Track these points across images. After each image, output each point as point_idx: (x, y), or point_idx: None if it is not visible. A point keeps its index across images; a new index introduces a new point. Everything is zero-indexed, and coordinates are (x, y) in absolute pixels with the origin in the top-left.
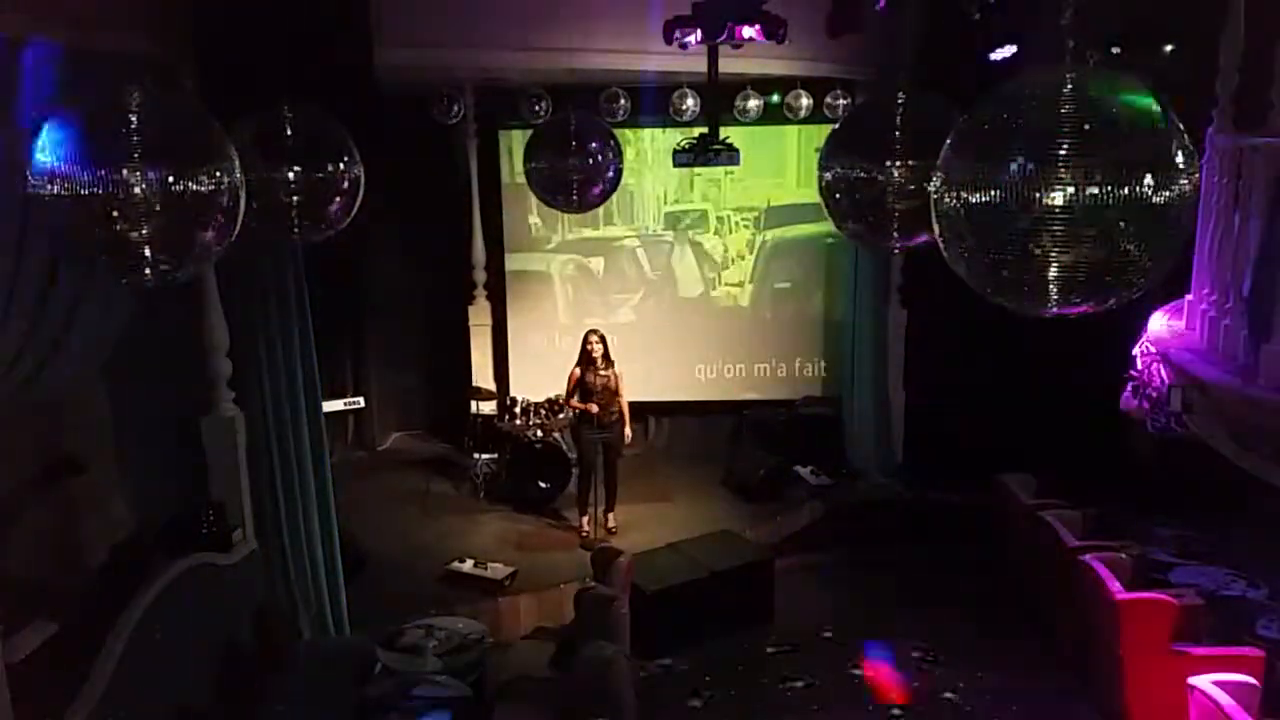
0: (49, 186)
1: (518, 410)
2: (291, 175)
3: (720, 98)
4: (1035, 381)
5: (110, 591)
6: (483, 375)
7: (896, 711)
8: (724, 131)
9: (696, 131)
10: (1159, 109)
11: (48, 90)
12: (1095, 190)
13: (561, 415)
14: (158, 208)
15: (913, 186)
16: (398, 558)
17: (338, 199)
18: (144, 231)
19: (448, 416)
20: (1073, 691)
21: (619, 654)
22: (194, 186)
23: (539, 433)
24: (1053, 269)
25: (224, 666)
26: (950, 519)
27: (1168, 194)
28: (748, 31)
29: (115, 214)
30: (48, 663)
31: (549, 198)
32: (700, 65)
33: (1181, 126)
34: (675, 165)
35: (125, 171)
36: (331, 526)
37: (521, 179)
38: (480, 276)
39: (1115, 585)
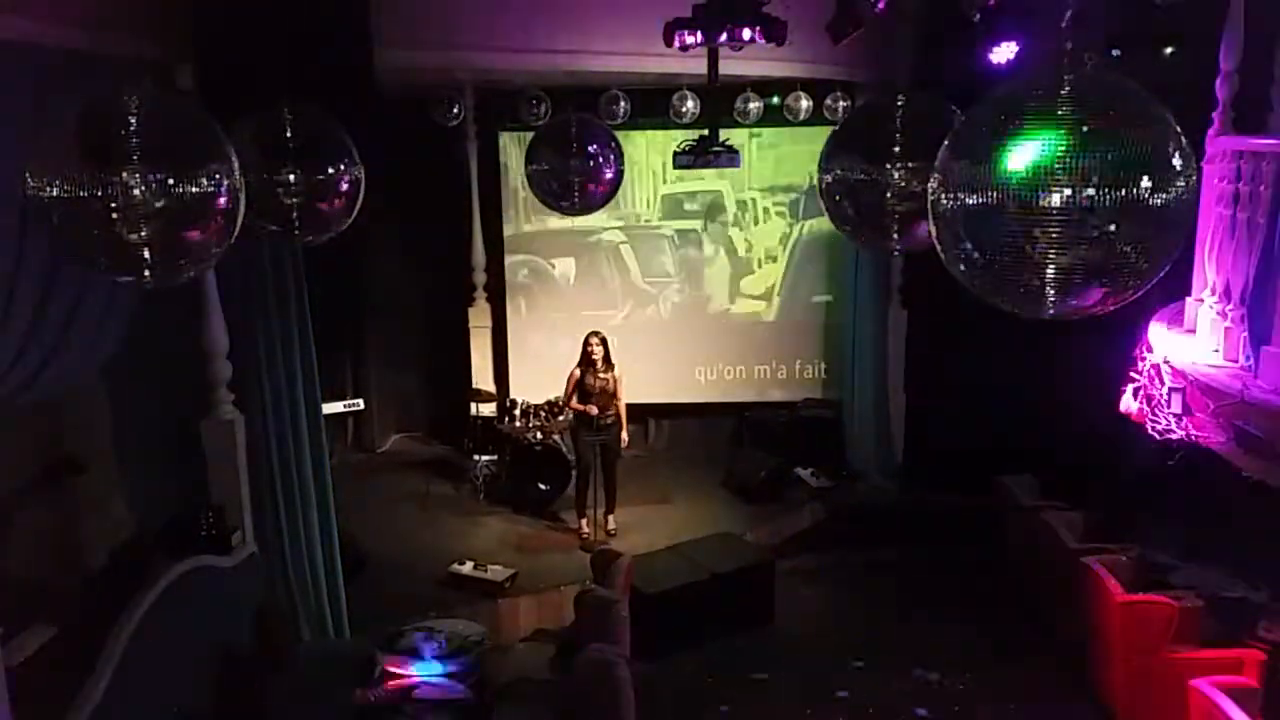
0: (48, 188)
1: (517, 412)
2: (291, 177)
3: (720, 100)
4: (1036, 383)
5: (110, 594)
6: (482, 377)
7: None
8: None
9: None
10: (1155, 110)
11: (47, 92)
12: (1092, 192)
13: (561, 417)
14: (157, 209)
15: (913, 188)
16: (397, 560)
17: (338, 200)
18: (143, 233)
19: (447, 418)
20: (1073, 693)
21: (619, 656)
22: (193, 188)
23: (539, 435)
24: (1049, 271)
25: (224, 669)
26: (951, 521)
27: (1165, 196)
28: (748, 33)
29: (115, 216)
30: (47, 665)
31: (550, 200)
32: (700, 67)
33: (1179, 128)
34: (675, 167)
35: (124, 173)
36: (331, 528)
37: (522, 180)
38: (480, 278)
39: (1116, 587)
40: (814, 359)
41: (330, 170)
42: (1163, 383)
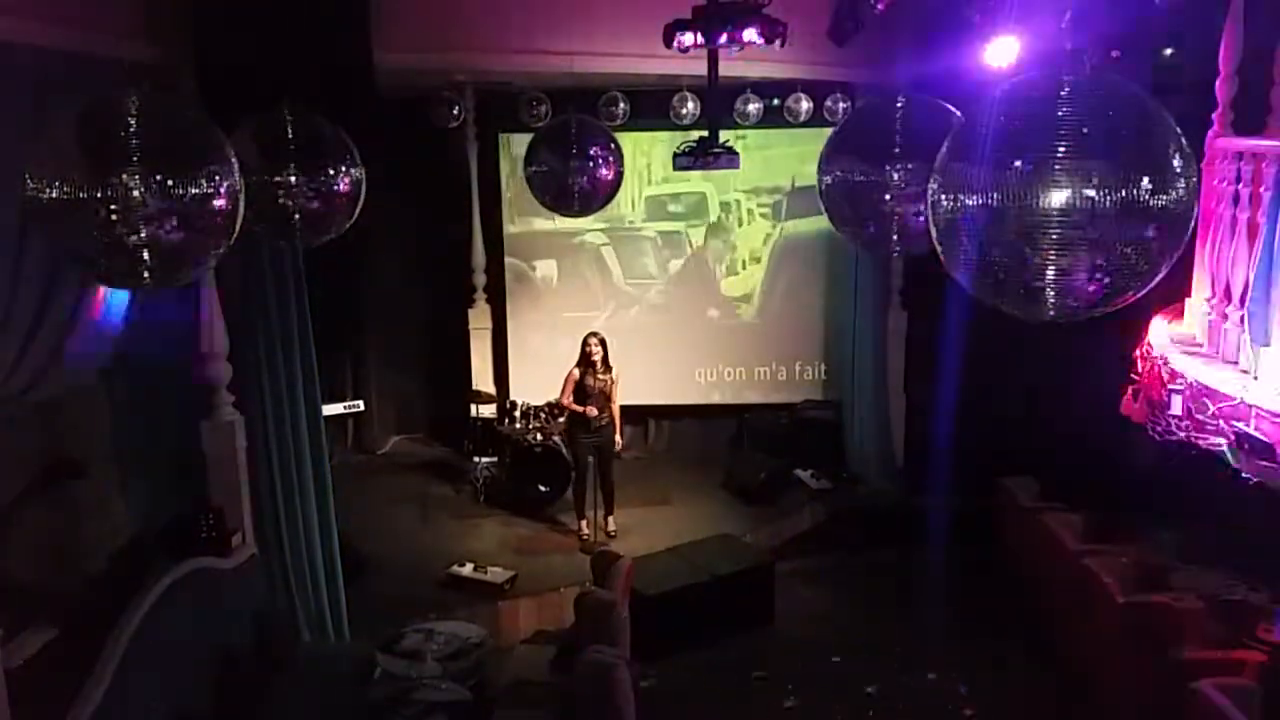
0: (48, 189)
1: (517, 414)
2: (292, 178)
3: (720, 101)
4: (1036, 385)
5: (110, 595)
6: (482, 379)
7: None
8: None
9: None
10: (1155, 111)
11: (47, 93)
12: (1092, 194)
13: (561, 418)
14: (156, 211)
15: (912, 190)
16: (397, 561)
17: (338, 202)
18: (143, 235)
19: (447, 420)
20: (1073, 694)
21: (619, 658)
22: (193, 190)
23: (539, 436)
24: (1050, 273)
25: (223, 671)
26: (951, 523)
27: (1166, 197)
28: (748, 34)
29: (114, 217)
30: (47, 667)
31: (550, 201)
32: (700, 68)
33: (1179, 130)
34: (675, 169)
35: (124, 175)
36: (331, 530)
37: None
38: (480, 280)
39: (1116, 589)
40: (814, 360)
41: (330, 172)
42: (1162, 384)
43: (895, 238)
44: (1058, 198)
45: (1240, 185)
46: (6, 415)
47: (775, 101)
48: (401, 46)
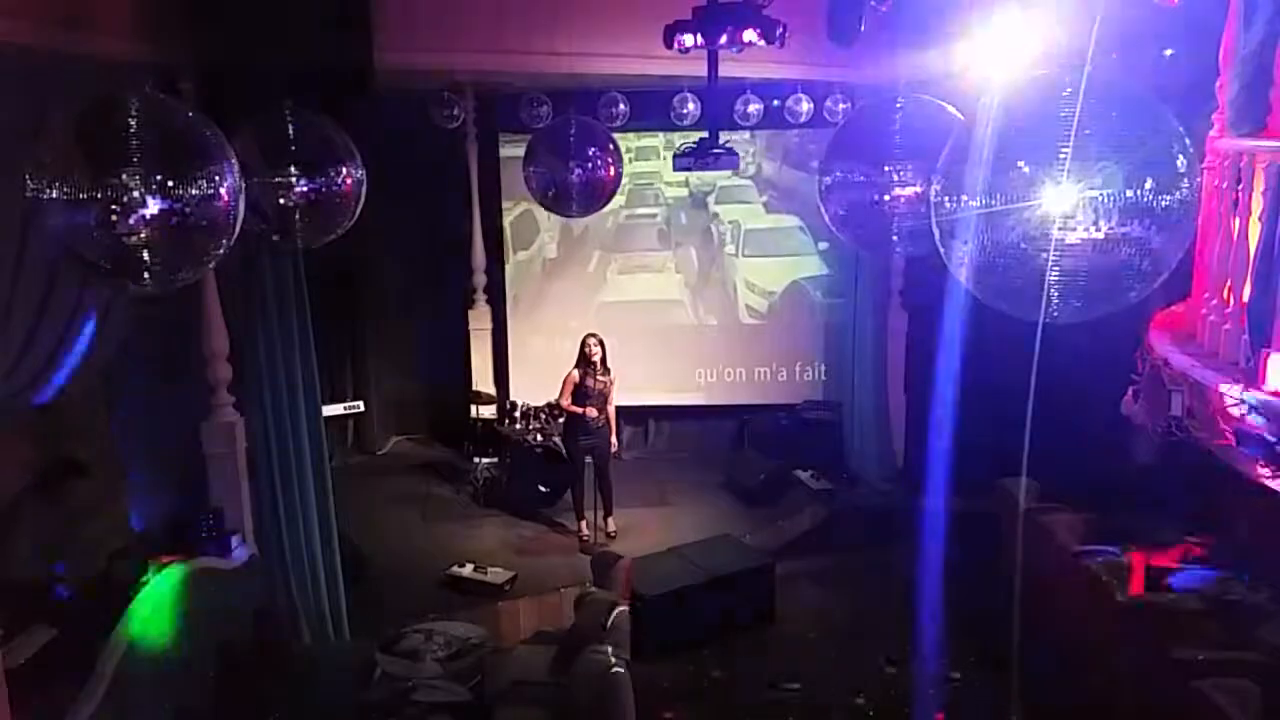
0: (48, 190)
1: (518, 414)
2: (292, 179)
3: (720, 102)
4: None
5: (109, 596)
6: (483, 379)
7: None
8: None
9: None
10: (1159, 113)
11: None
12: (1096, 195)
13: (561, 419)
14: (157, 212)
15: (912, 190)
16: (398, 562)
17: (338, 203)
18: (143, 236)
19: (448, 421)
20: (1074, 695)
21: (619, 658)
22: (193, 190)
23: (539, 437)
24: (1053, 274)
25: (223, 671)
26: (951, 523)
27: (1169, 198)
28: (748, 35)
29: (114, 218)
30: (47, 667)
31: (548, 202)
32: (700, 69)
33: (1183, 130)
34: (675, 169)
35: (124, 175)
36: (331, 531)
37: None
38: (480, 280)
39: (1117, 589)
40: (814, 361)
41: (331, 172)
42: (1163, 384)
43: (895, 238)
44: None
45: (1240, 186)
46: (8, 415)
47: (775, 102)
48: (402, 47)
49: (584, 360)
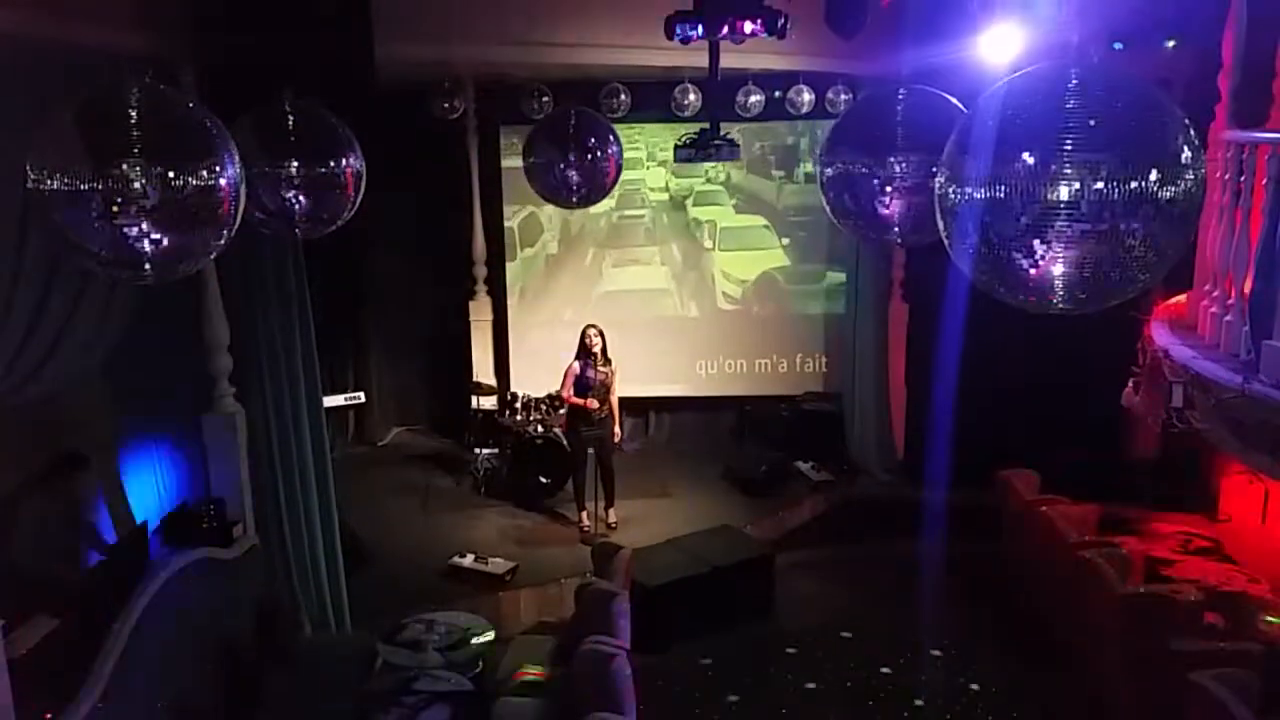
0: (49, 182)
1: (518, 405)
2: (292, 170)
3: (721, 93)
4: (1037, 376)
5: (111, 586)
6: (483, 370)
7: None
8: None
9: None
10: (1164, 103)
11: (48, 85)
12: (1100, 186)
13: (561, 410)
14: (157, 203)
15: (914, 182)
16: (399, 553)
17: (338, 194)
18: (144, 226)
19: (449, 412)
20: (1073, 686)
21: (619, 649)
22: (194, 181)
23: (540, 428)
24: (1057, 265)
25: (225, 661)
26: (951, 515)
27: (1173, 189)
28: (749, 26)
29: (115, 209)
30: (49, 658)
31: (549, 193)
32: (702, 60)
33: (1188, 121)
34: (676, 160)
35: (125, 166)
36: (332, 521)
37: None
38: (481, 272)
39: (1116, 581)
40: (815, 352)
41: (331, 164)
42: (1164, 376)
43: (896, 230)
44: (1065, 190)
45: (1242, 177)
46: (9, 406)
47: (777, 93)
48: (402, 38)
49: (584, 351)
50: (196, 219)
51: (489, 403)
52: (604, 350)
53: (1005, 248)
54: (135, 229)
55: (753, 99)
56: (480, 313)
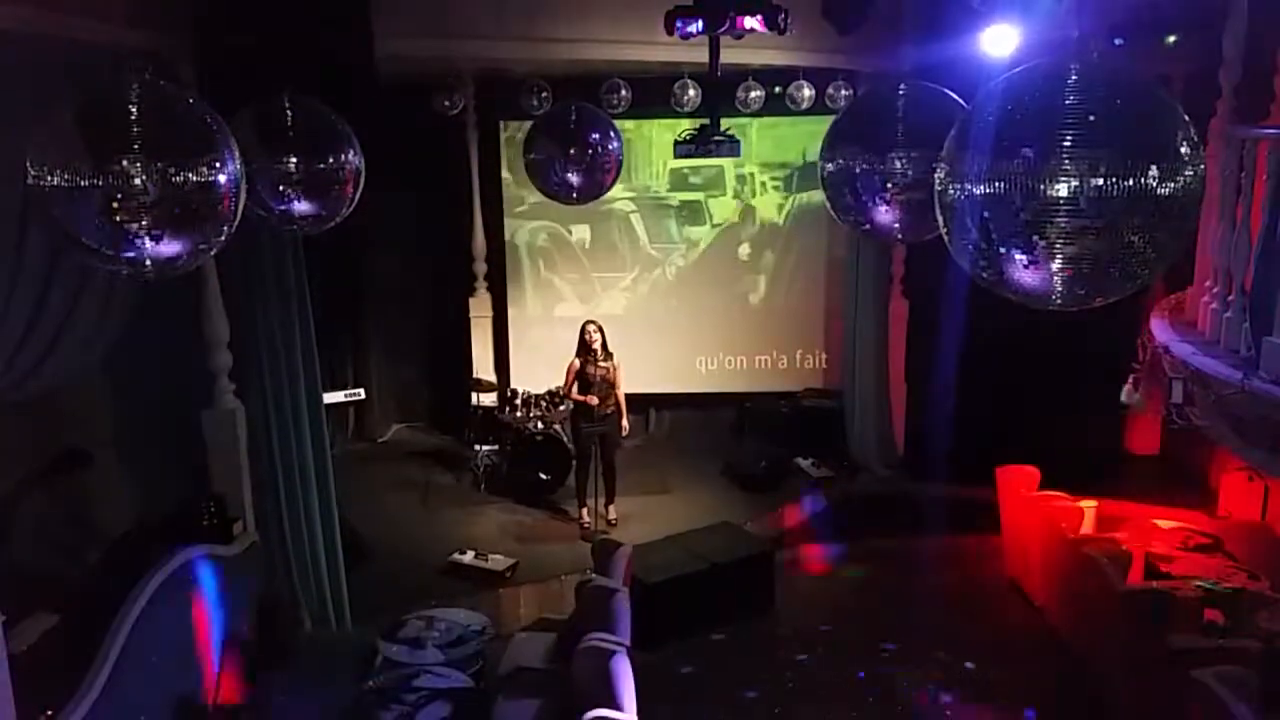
0: (49, 178)
1: (518, 402)
2: (292, 166)
3: (722, 88)
4: (1038, 372)
5: (112, 582)
6: (483, 367)
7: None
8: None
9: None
10: (1164, 100)
11: (48, 82)
12: (1100, 182)
13: (562, 407)
14: (158, 199)
15: (915, 178)
16: (399, 549)
17: (338, 190)
18: (144, 223)
19: (448, 408)
20: (1073, 683)
21: (619, 646)
22: (194, 177)
23: (540, 424)
24: (1057, 261)
25: (225, 658)
26: (951, 511)
27: (1173, 185)
28: (749, 22)
29: (115, 205)
30: (49, 653)
31: (549, 189)
32: (702, 56)
33: (1187, 117)
34: (676, 156)
35: (125, 162)
36: (332, 518)
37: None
38: (481, 268)
39: (1116, 577)
40: (815, 349)
41: (330, 159)
42: (1164, 372)
43: (897, 226)
44: (1064, 186)
45: (1242, 172)
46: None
47: (777, 89)
48: (402, 33)
49: (584, 348)
50: (196, 215)
51: (489, 399)
52: (604, 345)
53: (1005, 244)
54: (135, 225)
55: (753, 94)
56: (480, 309)
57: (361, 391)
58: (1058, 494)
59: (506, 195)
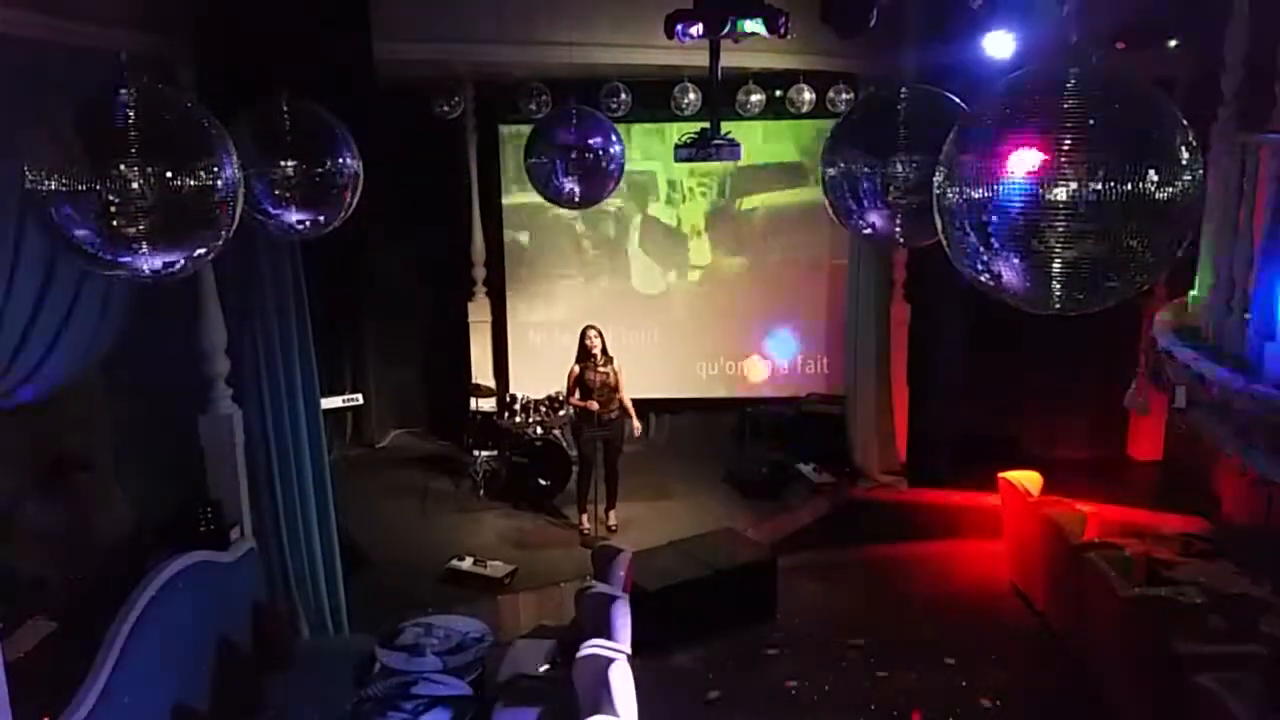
0: (46, 182)
1: (517, 407)
2: (290, 170)
3: (722, 92)
4: (1039, 377)
5: (108, 589)
6: (482, 372)
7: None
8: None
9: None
10: (1163, 104)
11: (46, 86)
12: (1099, 186)
13: (561, 412)
14: (155, 203)
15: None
16: (397, 556)
17: (336, 194)
18: (141, 227)
19: (447, 414)
20: (1076, 688)
21: (620, 653)
22: (191, 182)
23: (539, 430)
24: (1055, 265)
25: (222, 665)
26: (954, 517)
27: (1171, 190)
28: (750, 25)
29: (112, 210)
30: (46, 660)
31: (550, 193)
32: (702, 59)
33: (1186, 121)
34: (676, 160)
35: (122, 166)
36: (330, 524)
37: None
38: (480, 273)
39: (1118, 582)
40: (816, 354)
41: (328, 164)
42: (1166, 377)
43: (899, 230)
44: (1063, 190)
45: (1244, 177)
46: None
47: (778, 92)
48: (401, 37)
49: (584, 353)
50: (194, 220)
51: (488, 404)
52: (604, 349)
53: (1003, 248)
54: (133, 230)
55: (753, 98)
56: (479, 313)
57: (360, 396)
58: (1060, 499)
59: (506, 199)
